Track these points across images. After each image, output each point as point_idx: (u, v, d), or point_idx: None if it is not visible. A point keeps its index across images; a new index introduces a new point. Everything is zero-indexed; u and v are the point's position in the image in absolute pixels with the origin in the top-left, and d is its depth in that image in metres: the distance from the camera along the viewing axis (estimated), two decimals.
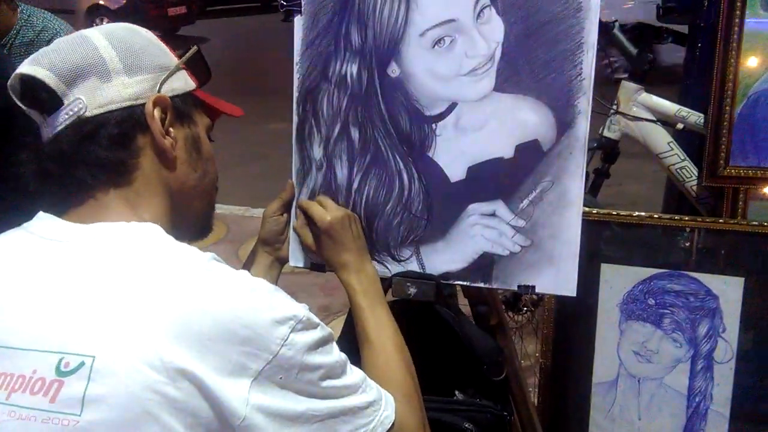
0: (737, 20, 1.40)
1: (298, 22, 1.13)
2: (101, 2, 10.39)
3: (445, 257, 1.10)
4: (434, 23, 1.03)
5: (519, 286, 1.07)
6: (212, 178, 0.91)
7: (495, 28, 1.02)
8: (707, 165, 1.51)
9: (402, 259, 1.13)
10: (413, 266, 1.12)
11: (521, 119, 1.04)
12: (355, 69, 1.10)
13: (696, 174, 1.64)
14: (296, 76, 1.15)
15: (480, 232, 1.08)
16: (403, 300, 1.10)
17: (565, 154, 1.02)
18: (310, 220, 1.07)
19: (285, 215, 1.17)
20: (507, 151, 1.05)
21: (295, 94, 1.15)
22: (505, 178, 1.06)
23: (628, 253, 1.58)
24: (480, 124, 1.06)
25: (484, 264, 1.08)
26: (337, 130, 1.13)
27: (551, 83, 1.01)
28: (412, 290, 1.09)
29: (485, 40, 1.02)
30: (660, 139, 1.66)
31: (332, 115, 1.13)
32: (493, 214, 1.07)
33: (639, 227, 1.57)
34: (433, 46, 1.04)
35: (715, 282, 1.53)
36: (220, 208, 4.04)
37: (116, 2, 10.33)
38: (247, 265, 1.17)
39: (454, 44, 1.03)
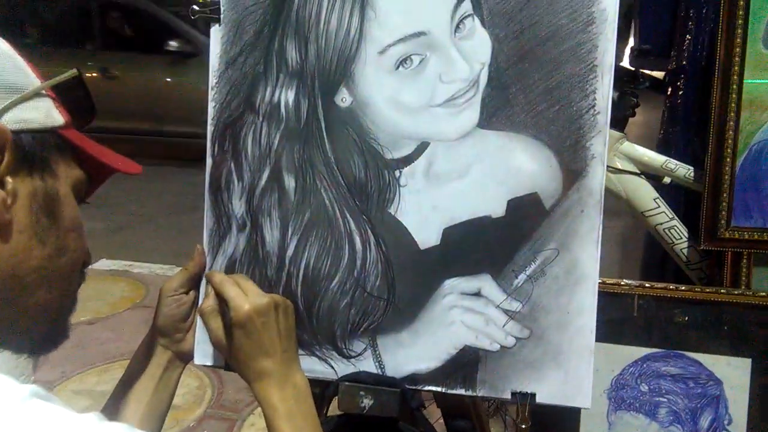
0: (737, 59, 1.21)
1: (216, 33, 0.85)
2: None
3: (413, 353, 0.80)
4: (398, 37, 0.77)
5: (513, 394, 0.78)
6: (73, 258, 0.60)
7: (479, 44, 0.77)
8: (705, 226, 1.29)
9: (353, 354, 0.82)
10: (368, 365, 0.82)
11: (515, 165, 0.77)
12: (291, 96, 0.82)
13: (686, 235, 1.44)
14: (211, 105, 0.85)
15: (460, 318, 0.79)
16: (354, 416, 0.79)
17: (574, 212, 0.76)
18: (223, 304, 0.76)
19: (191, 293, 0.85)
20: (496, 208, 0.78)
21: (209, 129, 0.86)
22: (493, 245, 0.78)
23: (616, 330, 1.34)
24: (459, 171, 0.79)
25: (466, 363, 0.79)
26: (265, 176, 0.83)
27: (555, 118, 0.76)
28: (367, 401, 0.78)
29: (466, 61, 0.77)
30: (645, 194, 1.45)
31: (259, 157, 0.83)
32: (477, 294, 0.79)
33: (628, 298, 1.34)
34: (397, 68, 0.77)
35: (718, 364, 1.30)
36: (139, 267, 3.62)
37: None
38: (135, 365, 0.84)
39: (424, 65, 0.77)
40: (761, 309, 1.27)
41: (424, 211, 0.80)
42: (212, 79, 0.85)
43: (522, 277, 0.77)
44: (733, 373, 1.29)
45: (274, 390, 0.73)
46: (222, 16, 0.84)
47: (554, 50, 0.75)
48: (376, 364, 0.81)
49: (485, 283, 0.78)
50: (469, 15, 0.77)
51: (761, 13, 1.21)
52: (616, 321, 1.33)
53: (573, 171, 0.76)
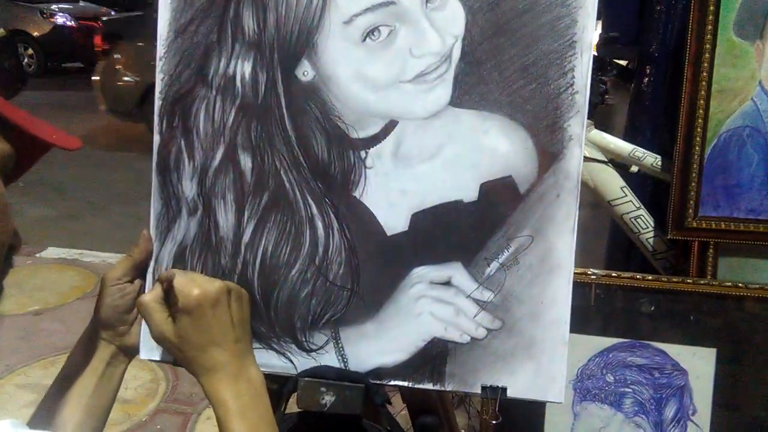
0: (708, 46, 1.19)
1: None
2: (23, 28, 9.33)
3: (378, 346, 0.75)
4: (365, 6, 0.71)
5: (484, 388, 0.74)
6: None
7: (452, 16, 0.72)
8: (673, 215, 1.28)
9: (313, 348, 0.77)
10: (330, 359, 0.76)
11: (489, 147, 0.73)
12: (248, 69, 0.75)
13: (653, 225, 1.42)
14: (159, 77, 0.78)
15: (428, 309, 0.74)
16: (315, 413, 0.74)
17: (550, 197, 0.72)
18: (169, 292, 0.70)
19: (136, 282, 0.78)
20: (468, 192, 0.73)
21: (157, 104, 0.78)
22: (465, 231, 0.74)
23: (582, 320, 1.31)
24: (430, 152, 0.74)
25: (434, 356, 0.75)
26: (219, 156, 0.77)
27: (531, 97, 0.72)
28: (328, 398, 0.73)
29: (438, 33, 0.71)
30: (613, 183, 1.43)
31: (212, 135, 0.77)
32: (447, 283, 0.74)
33: (594, 288, 1.32)
34: (364, 39, 0.72)
35: (683, 353, 1.29)
36: (90, 256, 3.48)
37: (39, 29, 9.31)
38: (75, 360, 0.78)
39: (393, 37, 0.71)
40: (726, 299, 1.26)
41: (392, 195, 0.74)
42: (160, 49, 0.78)
43: (494, 265, 0.73)
44: (697, 363, 1.28)
45: (225, 385, 0.67)
46: None
47: (531, 24, 0.71)
48: (339, 357, 0.76)
49: (456, 272, 0.74)
50: None
51: (732, 1, 1.20)
52: (582, 311, 1.31)
53: (550, 153, 0.72)
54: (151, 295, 0.70)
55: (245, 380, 0.68)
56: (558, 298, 0.72)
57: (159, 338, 0.71)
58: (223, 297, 0.69)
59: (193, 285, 0.68)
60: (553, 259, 0.72)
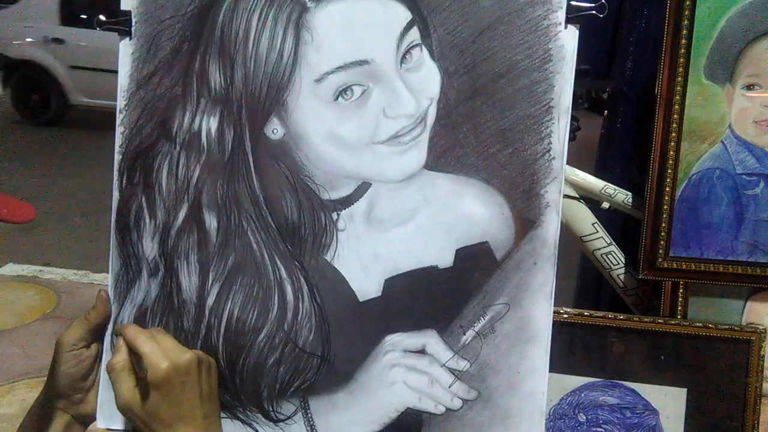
0: (679, 89, 1.20)
1: (126, 48, 0.74)
2: None
3: (349, 416, 0.72)
4: (337, 65, 0.68)
5: None
6: None
7: (427, 77, 0.69)
8: (644, 256, 1.27)
9: (281, 418, 0.73)
10: (299, 430, 0.73)
11: (464, 212, 0.71)
12: (214, 124, 0.72)
13: (623, 261, 1.43)
14: (119, 130, 0.74)
15: (402, 378, 0.72)
16: None
17: (527, 264, 0.70)
18: (137, 360, 0.66)
19: (93, 347, 0.74)
20: (443, 258, 0.71)
21: (117, 158, 0.74)
22: (440, 298, 0.71)
23: (554, 359, 1.30)
24: (404, 216, 0.71)
25: (408, 427, 0.72)
26: (182, 215, 0.73)
27: (507, 162, 0.70)
28: None
29: (413, 95, 0.69)
30: (584, 219, 1.43)
31: (175, 192, 0.73)
32: (421, 351, 0.72)
33: (567, 326, 1.31)
34: (336, 98, 0.69)
35: (654, 393, 1.29)
36: (51, 272, 3.37)
37: None
38: (28, 428, 0.73)
39: (367, 97, 0.69)
40: (696, 338, 1.26)
41: (364, 259, 0.72)
42: (121, 101, 0.74)
43: (470, 333, 0.71)
44: (668, 403, 1.28)
45: None
46: (133, 29, 0.73)
47: (508, 88, 0.69)
48: (308, 428, 0.73)
49: (430, 340, 0.71)
50: (416, 45, 0.69)
51: (703, 44, 1.20)
52: (555, 349, 1.29)
53: (526, 220, 0.70)
54: (121, 359, 0.67)
55: None
56: (535, 368, 0.71)
57: (124, 408, 0.67)
58: (194, 369, 0.66)
59: (162, 356, 0.64)
60: (530, 328, 0.70)
